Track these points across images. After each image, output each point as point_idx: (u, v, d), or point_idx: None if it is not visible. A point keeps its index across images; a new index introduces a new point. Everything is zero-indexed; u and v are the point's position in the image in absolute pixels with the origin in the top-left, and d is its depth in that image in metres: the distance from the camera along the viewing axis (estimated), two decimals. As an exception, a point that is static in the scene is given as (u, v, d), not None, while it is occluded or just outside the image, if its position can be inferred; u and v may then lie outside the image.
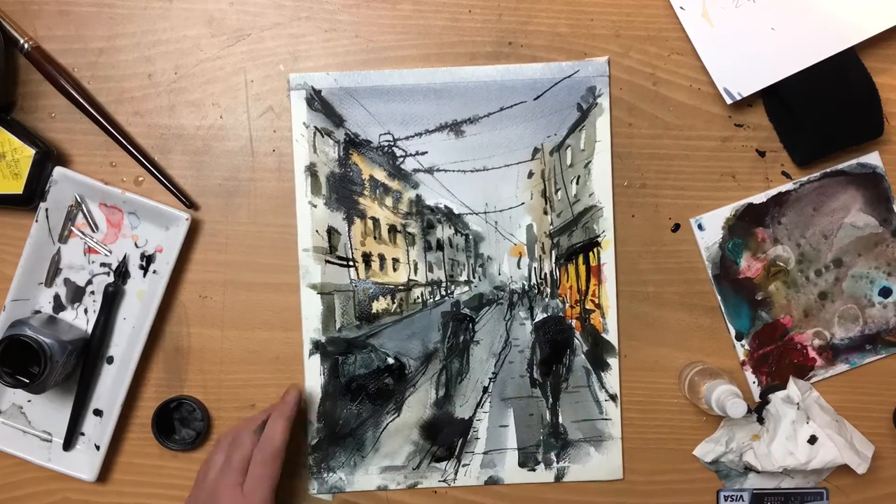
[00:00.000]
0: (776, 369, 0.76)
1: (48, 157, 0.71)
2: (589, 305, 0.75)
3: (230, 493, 0.64)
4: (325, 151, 0.74)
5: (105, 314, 0.73)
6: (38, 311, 0.74)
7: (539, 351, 0.76)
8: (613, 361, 0.75)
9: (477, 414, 0.76)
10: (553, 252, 0.75)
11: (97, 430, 0.74)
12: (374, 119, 0.74)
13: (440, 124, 0.74)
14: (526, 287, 0.75)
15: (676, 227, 0.75)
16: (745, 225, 0.75)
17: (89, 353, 0.73)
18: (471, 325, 0.76)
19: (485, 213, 0.75)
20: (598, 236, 0.75)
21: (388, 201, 0.75)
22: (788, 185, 0.75)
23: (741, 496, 0.76)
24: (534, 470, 0.76)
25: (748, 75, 0.71)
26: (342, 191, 0.74)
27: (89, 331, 0.74)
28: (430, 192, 0.75)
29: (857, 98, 0.71)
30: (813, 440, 0.70)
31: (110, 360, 0.75)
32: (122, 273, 0.74)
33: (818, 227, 0.75)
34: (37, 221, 0.72)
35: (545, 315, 0.76)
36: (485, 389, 0.76)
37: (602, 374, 0.75)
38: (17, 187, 0.70)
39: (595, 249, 0.75)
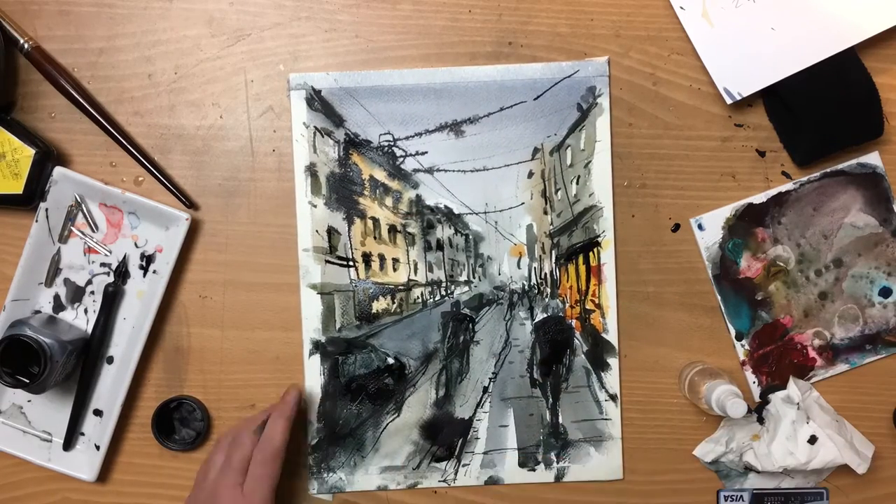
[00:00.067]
0: (776, 369, 0.76)
1: (48, 157, 0.71)
2: (589, 305, 0.75)
3: (230, 493, 0.64)
4: (325, 151, 0.74)
5: (105, 314, 0.73)
6: (38, 311, 0.74)
7: (539, 351, 0.75)
8: (613, 361, 0.75)
9: (477, 414, 0.76)
10: (553, 252, 0.75)
11: (97, 430, 0.74)
12: (374, 119, 0.74)
13: (440, 124, 0.74)
14: (526, 287, 0.75)
15: (676, 227, 0.75)
16: (745, 225, 0.75)
17: (89, 353, 0.73)
18: (471, 325, 0.76)
19: (485, 213, 0.75)
20: (598, 236, 0.75)
21: (388, 201, 0.75)
22: (788, 185, 0.75)
23: (741, 496, 0.76)
24: (534, 470, 0.76)
25: (748, 75, 0.71)
26: (342, 191, 0.74)
27: (89, 331, 0.74)
28: (430, 192, 0.75)
29: (857, 98, 0.71)
30: (813, 440, 0.70)
31: (110, 360, 0.75)
32: (122, 273, 0.74)
33: (818, 227, 0.75)
34: (37, 221, 0.72)
35: (545, 315, 0.75)
36: (485, 389, 0.76)
37: (602, 374, 0.75)
38: (17, 187, 0.70)
39: (595, 249, 0.75)
